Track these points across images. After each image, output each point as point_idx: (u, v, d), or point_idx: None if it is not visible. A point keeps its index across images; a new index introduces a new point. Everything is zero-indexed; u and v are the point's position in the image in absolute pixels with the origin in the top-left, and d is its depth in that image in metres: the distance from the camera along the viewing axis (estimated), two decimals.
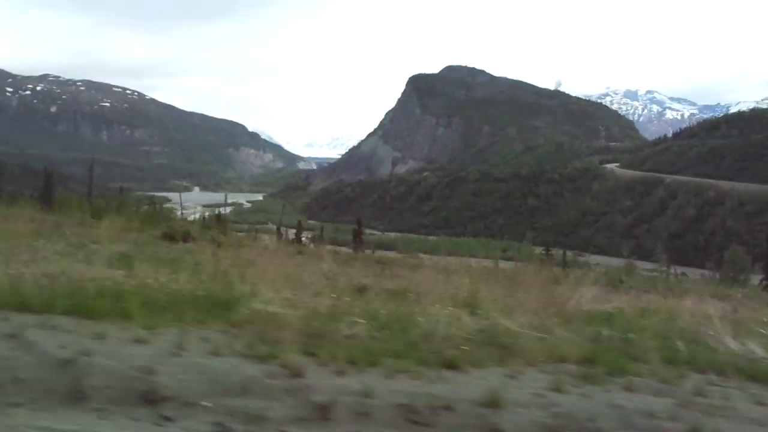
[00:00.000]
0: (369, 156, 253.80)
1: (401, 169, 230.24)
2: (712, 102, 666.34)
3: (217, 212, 53.03)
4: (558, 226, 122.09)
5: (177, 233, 13.84)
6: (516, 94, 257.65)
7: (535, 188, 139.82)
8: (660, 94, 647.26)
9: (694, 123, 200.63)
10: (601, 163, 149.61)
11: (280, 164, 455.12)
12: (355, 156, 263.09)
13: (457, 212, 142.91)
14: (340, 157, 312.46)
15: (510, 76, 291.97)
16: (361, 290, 6.78)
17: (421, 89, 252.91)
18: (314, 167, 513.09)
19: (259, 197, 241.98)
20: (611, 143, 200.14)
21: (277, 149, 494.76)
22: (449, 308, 5.20)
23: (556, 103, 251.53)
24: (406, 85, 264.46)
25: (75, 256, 6.97)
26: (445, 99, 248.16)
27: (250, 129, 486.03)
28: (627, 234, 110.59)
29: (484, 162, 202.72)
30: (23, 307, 4.42)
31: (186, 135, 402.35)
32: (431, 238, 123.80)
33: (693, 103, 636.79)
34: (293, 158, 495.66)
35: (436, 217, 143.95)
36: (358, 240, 38.90)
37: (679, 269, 39.56)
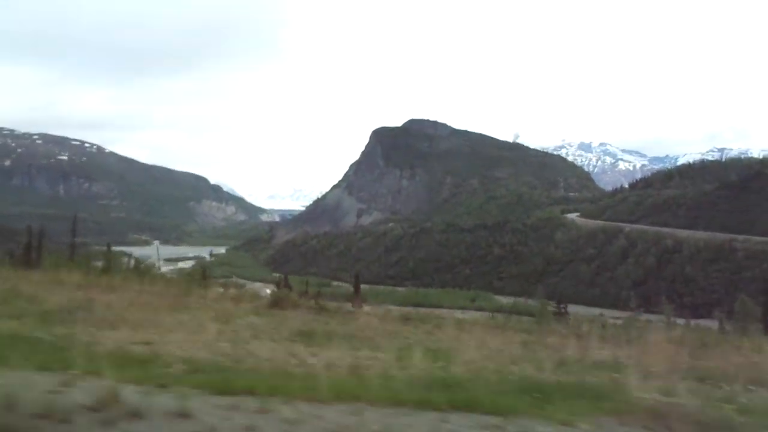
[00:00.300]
0: (334, 207, 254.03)
1: (366, 221, 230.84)
2: (660, 154, 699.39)
3: (201, 269, 51.40)
4: (524, 275, 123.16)
5: (284, 301, 13.18)
6: (477, 146, 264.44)
7: (499, 238, 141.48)
8: (612, 146, 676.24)
9: (647, 174, 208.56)
10: (562, 212, 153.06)
11: (242, 216, 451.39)
12: (319, 207, 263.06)
13: (424, 263, 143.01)
14: (304, 209, 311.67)
15: (471, 129, 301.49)
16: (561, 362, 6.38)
17: (385, 142, 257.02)
18: (277, 219, 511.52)
19: (222, 250, 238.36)
20: (570, 194, 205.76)
21: (239, 201, 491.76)
22: None
23: (515, 155, 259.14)
24: (370, 137, 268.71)
25: (254, 333, 6.52)
26: (408, 151, 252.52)
27: (212, 182, 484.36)
28: (592, 282, 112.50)
29: (448, 212, 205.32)
30: (398, 402, 4.12)
31: (146, 188, 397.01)
32: (399, 289, 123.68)
33: (643, 155, 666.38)
34: (256, 210, 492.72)
35: (402, 267, 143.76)
36: (357, 295, 38.07)
37: (652, 317, 39.79)
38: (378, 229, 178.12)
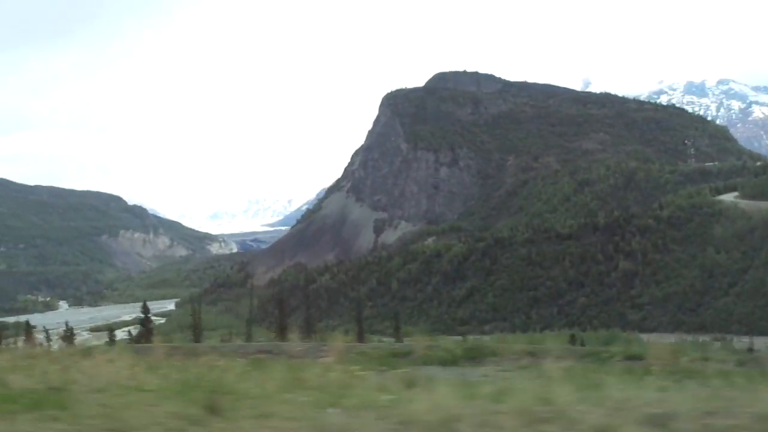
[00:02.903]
0: (335, 222, 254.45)
1: (391, 237, 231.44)
2: None
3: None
4: (675, 297, 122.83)
5: None
6: (546, 105, 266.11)
7: (623, 244, 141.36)
8: (738, 83, 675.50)
9: None
10: (713, 193, 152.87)
11: (182, 250, 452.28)
12: (312, 225, 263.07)
13: (510, 293, 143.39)
14: (288, 230, 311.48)
15: (528, 79, 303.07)
16: None
17: (405, 112, 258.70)
18: (235, 249, 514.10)
19: (170, 305, 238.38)
20: (707, 163, 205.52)
21: (173, 228, 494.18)
22: None
23: (607, 112, 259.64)
24: (381, 108, 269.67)
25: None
26: (442, 123, 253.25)
27: (129, 203, 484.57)
28: None
29: (518, 212, 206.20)
30: None
31: (31, 221, 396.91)
32: (485, 338, 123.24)
33: None
34: (200, 239, 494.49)
35: (478, 304, 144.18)
36: None
37: None
38: (421, 248, 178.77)
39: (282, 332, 59.70)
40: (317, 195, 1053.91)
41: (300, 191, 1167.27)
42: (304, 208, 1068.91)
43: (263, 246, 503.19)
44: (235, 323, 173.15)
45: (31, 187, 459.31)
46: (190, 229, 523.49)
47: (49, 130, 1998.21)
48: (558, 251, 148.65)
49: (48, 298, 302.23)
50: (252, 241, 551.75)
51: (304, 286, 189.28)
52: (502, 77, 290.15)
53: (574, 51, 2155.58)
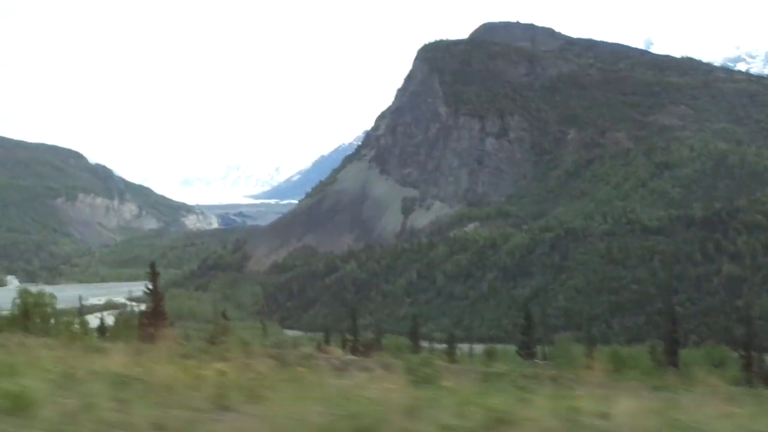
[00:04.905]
0: (354, 199, 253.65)
1: (422, 219, 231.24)
2: None
3: None
4: None
5: None
6: (617, 68, 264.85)
7: (726, 242, 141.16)
8: None
9: None
10: None
11: (152, 221, 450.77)
12: (326, 201, 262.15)
13: (585, 296, 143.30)
14: (297, 203, 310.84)
15: (592, 36, 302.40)
16: None
17: (445, 68, 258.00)
18: (214, 223, 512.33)
19: (142, 287, 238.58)
20: None
21: (142, 195, 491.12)
22: None
23: (691, 81, 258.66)
24: (416, 62, 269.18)
25: None
26: (490, 84, 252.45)
27: (92, 161, 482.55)
28: None
29: (582, 197, 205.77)
30: None
31: None
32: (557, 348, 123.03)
33: None
34: (173, 209, 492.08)
35: (544, 308, 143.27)
36: None
37: None
38: (472, 236, 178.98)
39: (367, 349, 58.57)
40: (314, 163, 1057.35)
41: (290, 157, 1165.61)
42: (296, 177, 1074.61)
43: (249, 222, 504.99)
44: (236, 314, 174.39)
45: None
46: (162, 196, 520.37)
47: None
48: (645, 248, 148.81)
49: None
50: (236, 215, 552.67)
51: (324, 275, 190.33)
52: (562, 32, 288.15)
53: (635, 4, 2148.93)
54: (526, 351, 71.44)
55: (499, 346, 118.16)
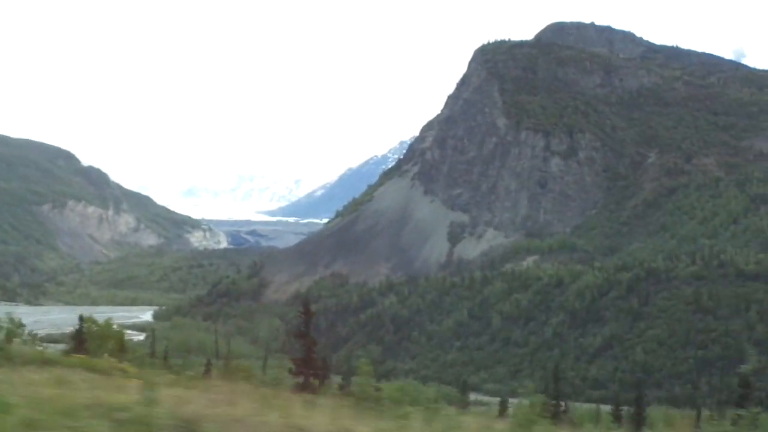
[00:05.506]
0: (393, 221, 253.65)
1: (472, 249, 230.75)
2: None
3: None
4: None
5: None
6: (707, 83, 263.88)
7: None
8: None
9: None
10: None
11: (150, 237, 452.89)
12: (360, 223, 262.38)
13: (667, 349, 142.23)
14: (325, 223, 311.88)
15: (677, 43, 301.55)
16: None
17: (506, 74, 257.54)
18: (223, 241, 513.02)
19: (144, 315, 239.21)
20: None
21: (140, 205, 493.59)
22: None
23: None
24: (472, 65, 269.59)
25: None
26: (557, 94, 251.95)
27: (84, 163, 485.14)
28: None
29: (662, 232, 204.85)
30: None
31: None
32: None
33: None
34: (176, 224, 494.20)
35: (620, 361, 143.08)
36: None
37: None
38: (534, 273, 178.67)
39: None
40: (340, 176, 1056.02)
41: (312, 169, 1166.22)
42: (319, 193, 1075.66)
43: (264, 242, 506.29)
44: (253, 351, 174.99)
45: None
46: (163, 208, 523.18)
47: None
48: (739, 295, 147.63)
49: None
50: (248, 233, 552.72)
51: (357, 310, 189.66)
52: (644, 37, 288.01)
53: (725, 10, 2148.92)
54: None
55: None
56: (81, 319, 52.72)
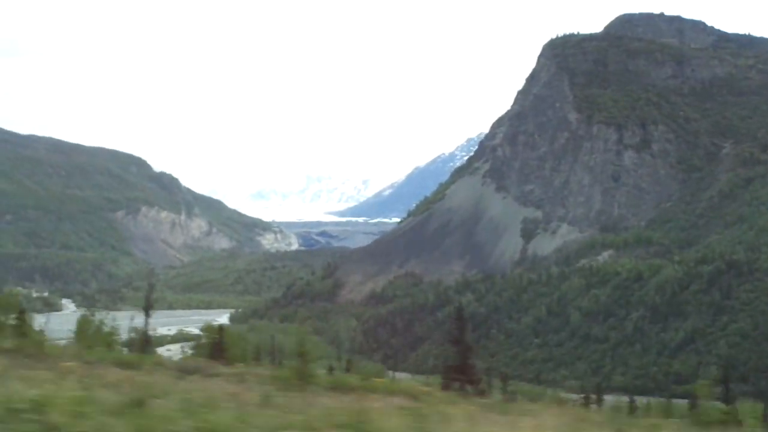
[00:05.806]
0: (465, 219, 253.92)
1: (546, 245, 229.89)
2: None
3: None
4: None
5: None
6: None
7: None
8: None
9: None
10: None
11: (223, 240, 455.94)
12: (432, 222, 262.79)
13: (753, 342, 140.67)
14: (399, 222, 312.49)
15: (750, 32, 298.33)
16: None
17: (577, 68, 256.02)
18: (294, 243, 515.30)
19: (220, 318, 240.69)
20: None
21: (212, 209, 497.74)
22: None
23: None
24: (542, 60, 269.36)
25: None
26: (629, 87, 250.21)
27: (156, 170, 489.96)
28: None
29: (739, 223, 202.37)
30: None
31: (23, 184, 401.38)
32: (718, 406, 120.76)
33: None
34: (247, 226, 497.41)
35: (704, 355, 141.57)
36: None
37: None
38: (613, 268, 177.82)
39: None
40: (408, 176, 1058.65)
41: (379, 169, 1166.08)
42: (387, 192, 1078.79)
43: (334, 243, 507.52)
44: (330, 351, 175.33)
45: (23, 137, 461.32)
46: (234, 211, 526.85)
47: (43, 58, 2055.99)
48: None
49: (46, 293, 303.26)
50: (319, 234, 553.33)
51: (433, 308, 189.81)
52: (715, 26, 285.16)
53: None
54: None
55: (645, 399, 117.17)
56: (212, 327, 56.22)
